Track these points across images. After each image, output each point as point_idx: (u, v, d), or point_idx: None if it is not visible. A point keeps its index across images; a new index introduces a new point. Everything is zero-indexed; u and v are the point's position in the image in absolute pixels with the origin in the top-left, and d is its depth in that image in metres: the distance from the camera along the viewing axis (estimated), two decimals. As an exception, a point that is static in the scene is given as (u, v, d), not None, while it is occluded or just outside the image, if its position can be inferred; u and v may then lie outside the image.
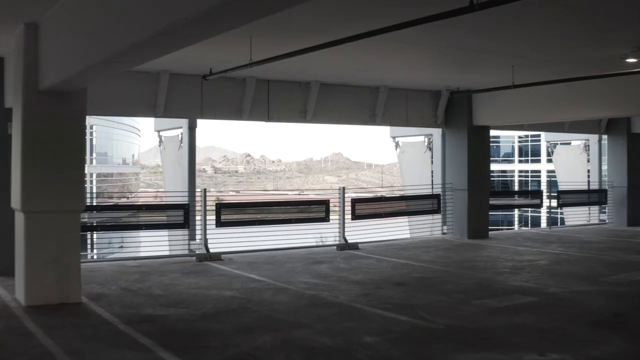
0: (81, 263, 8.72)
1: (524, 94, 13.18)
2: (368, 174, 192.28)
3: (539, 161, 56.77)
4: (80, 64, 6.47)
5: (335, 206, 13.73)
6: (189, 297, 8.74)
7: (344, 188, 13.55)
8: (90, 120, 50.15)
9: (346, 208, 13.71)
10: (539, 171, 56.05)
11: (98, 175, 51.35)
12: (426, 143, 16.43)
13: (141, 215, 13.05)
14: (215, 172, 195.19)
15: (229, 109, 12.92)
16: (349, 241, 13.56)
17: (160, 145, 14.86)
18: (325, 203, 13.45)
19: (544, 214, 20.58)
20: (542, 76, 11.68)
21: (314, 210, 13.28)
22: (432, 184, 15.90)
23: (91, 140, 50.86)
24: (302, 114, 13.45)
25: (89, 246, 17.50)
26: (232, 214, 12.56)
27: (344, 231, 13.46)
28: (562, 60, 10.87)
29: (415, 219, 15.33)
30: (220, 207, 12.43)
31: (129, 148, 60.74)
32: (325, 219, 13.39)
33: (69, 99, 8.15)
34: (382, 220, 14.75)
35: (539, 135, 55.90)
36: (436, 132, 16.03)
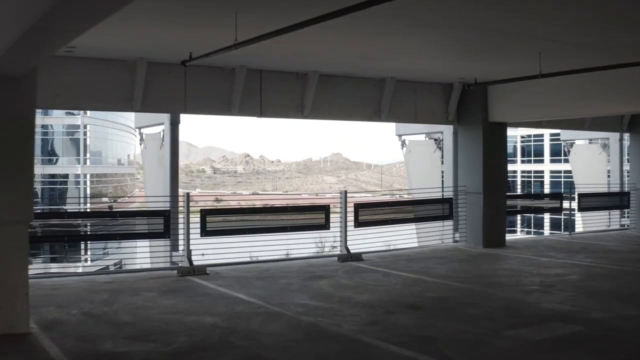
0: (46, 278, 7.18)
1: (548, 86, 11.64)
2: (367, 174, 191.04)
3: (542, 161, 55.15)
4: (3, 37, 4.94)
5: (335, 207, 12.19)
6: (162, 325, 7.19)
7: (346, 192, 12.02)
8: (84, 119, 48.74)
9: (348, 213, 12.16)
10: (542, 172, 54.49)
11: (92, 176, 49.88)
12: (436, 142, 14.90)
13: (118, 223, 11.49)
14: (215, 173, 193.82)
15: (216, 103, 11.38)
16: (352, 251, 12.02)
17: (141, 144, 13.32)
18: (324, 209, 11.91)
19: (549, 218, 19.01)
20: (571, 65, 10.13)
21: (312, 217, 11.73)
22: (443, 187, 14.35)
23: (85, 140, 49.51)
24: (298, 109, 11.93)
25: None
26: (219, 221, 11.00)
27: (345, 240, 11.92)
28: (600, 47, 9.32)
29: (425, 225, 13.78)
30: (206, 214, 10.87)
31: (124, 148, 59.24)
32: (325, 226, 11.85)
33: (13, 88, 6.63)
34: (387, 227, 13.20)
35: (542, 135, 54.28)
36: (447, 130, 14.48)
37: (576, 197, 16.45)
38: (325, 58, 10.69)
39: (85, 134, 49.57)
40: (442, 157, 14.76)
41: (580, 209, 16.40)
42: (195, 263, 10.49)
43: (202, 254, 11.05)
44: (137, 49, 9.74)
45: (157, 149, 12.24)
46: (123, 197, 56.05)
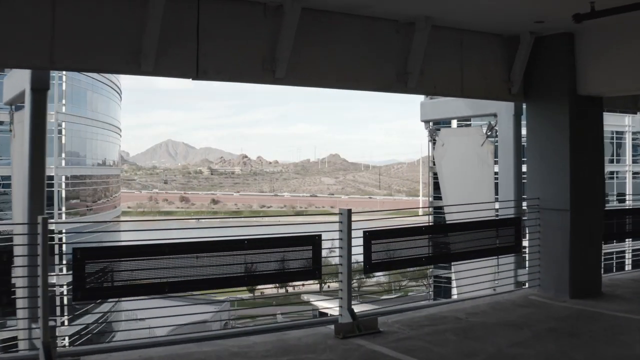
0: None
1: None
2: (365, 175, 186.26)
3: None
4: None
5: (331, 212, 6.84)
6: None
7: (349, 211, 6.62)
8: (59, 117, 43.30)
9: (355, 240, 6.82)
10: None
11: (68, 177, 44.51)
12: (486, 130, 9.54)
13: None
14: (212, 174, 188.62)
15: (114, 52, 6.05)
16: (360, 313, 6.72)
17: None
18: (313, 242, 6.53)
19: None
20: None
21: (292, 256, 6.38)
22: (498, 202, 9.01)
23: (60, 138, 44.10)
24: (266, 67, 6.59)
25: None
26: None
27: (349, 299, 6.52)
28: None
29: (471, 266, 8.37)
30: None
31: (108, 148, 53.92)
32: (313, 273, 6.51)
33: None
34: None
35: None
36: (504, 110, 9.14)
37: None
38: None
39: (60, 132, 44.17)
40: (495, 155, 9.41)
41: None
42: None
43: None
44: None
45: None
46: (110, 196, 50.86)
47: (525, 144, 8.67)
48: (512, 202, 8.73)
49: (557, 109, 8.20)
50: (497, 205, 8.96)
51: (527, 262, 8.66)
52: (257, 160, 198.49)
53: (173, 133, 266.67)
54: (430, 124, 10.07)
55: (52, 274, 7.26)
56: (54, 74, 42.55)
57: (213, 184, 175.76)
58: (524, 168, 8.84)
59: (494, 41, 8.30)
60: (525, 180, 8.58)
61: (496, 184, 9.20)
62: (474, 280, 8.11)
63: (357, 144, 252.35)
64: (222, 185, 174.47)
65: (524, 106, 8.86)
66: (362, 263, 6.77)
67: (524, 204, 8.56)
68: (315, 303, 52.67)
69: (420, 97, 10.43)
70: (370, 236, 6.80)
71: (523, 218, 8.47)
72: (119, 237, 55.83)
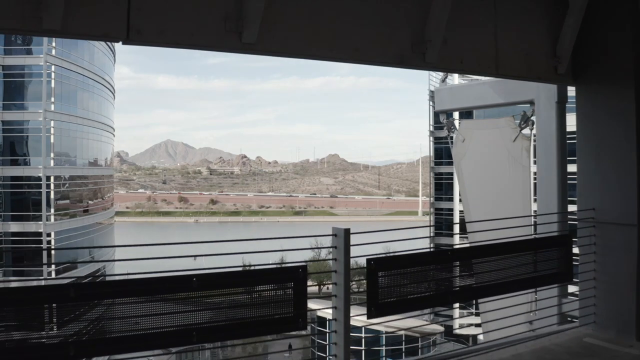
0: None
1: None
2: (365, 175, 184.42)
3: None
4: None
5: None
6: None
7: (347, 232, 4.63)
8: (47, 114, 41.19)
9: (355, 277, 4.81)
10: None
11: (57, 178, 42.36)
12: (520, 121, 7.51)
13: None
14: (211, 174, 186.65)
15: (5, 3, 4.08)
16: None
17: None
18: (294, 275, 4.53)
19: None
20: None
21: (261, 302, 4.38)
22: (536, 215, 6.99)
23: (48, 137, 41.98)
24: (230, 28, 4.61)
25: None
26: None
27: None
28: None
29: (504, 302, 6.31)
30: None
31: (100, 148, 51.90)
32: (295, 322, 4.51)
33: None
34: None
35: None
36: (545, 96, 7.15)
37: None
38: None
39: (48, 130, 42.07)
40: (533, 153, 7.40)
41: None
42: None
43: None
44: None
45: None
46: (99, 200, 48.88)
47: (577, 138, 6.65)
48: (556, 215, 6.73)
49: (618, 93, 6.21)
50: (533, 220, 6.95)
51: (571, 290, 6.67)
52: (256, 161, 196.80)
53: (172, 133, 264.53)
54: (446, 115, 8.05)
55: None
56: (42, 71, 40.70)
57: (212, 184, 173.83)
58: (570, 169, 6.87)
59: (537, 5, 6.32)
60: (576, 186, 6.56)
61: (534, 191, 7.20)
62: (504, 312, 6.09)
63: (357, 144, 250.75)
64: (221, 185, 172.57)
65: (569, 91, 6.89)
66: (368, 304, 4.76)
67: (574, 216, 6.56)
68: (311, 306, 50.58)
69: (426, 85, 8.47)
70: (376, 267, 4.77)
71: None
72: (111, 239, 54.11)
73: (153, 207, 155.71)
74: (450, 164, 58.06)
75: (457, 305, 56.32)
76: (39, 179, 40.81)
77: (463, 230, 56.49)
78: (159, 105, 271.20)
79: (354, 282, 4.70)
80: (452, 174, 57.15)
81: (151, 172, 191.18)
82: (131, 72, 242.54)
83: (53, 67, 41.47)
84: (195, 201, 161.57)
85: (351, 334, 4.58)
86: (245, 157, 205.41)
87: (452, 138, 8.08)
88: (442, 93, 7.93)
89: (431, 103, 62.41)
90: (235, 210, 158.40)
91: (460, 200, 55.37)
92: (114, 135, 57.99)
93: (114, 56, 57.26)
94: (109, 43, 51.12)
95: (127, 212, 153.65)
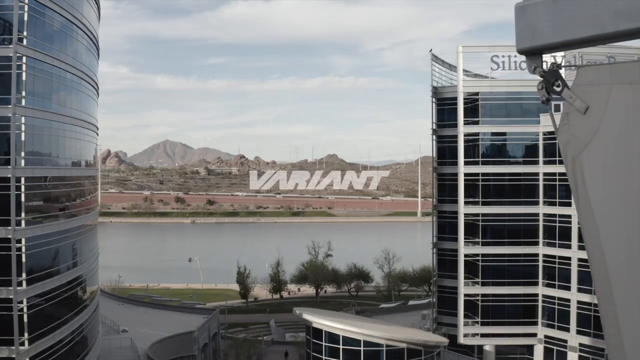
0: None
1: None
2: (364, 176, 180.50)
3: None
4: None
5: None
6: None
7: None
8: (17, 110, 36.95)
9: None
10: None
11: (28, 179, 38.04)
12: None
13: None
14: (209, 174, 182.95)
15: None
16: None
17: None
18: None
19: None
20: None
21: None
22: None
23: (18, 135, 37.76)
24: None
25: None
26: None
27: None
28: None
29: None
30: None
31: (81, 147, 47.67)
32: None
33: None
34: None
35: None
36: None
37: None
38: None
39: (18, 127, 37.81)
40: None
41: None
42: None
43: None
44: None
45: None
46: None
47: None
48: None
49: None
50: None
51: None
52: (254, 161, 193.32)
53: (171, 133, 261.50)
54: (534, 64, 3.87)
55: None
56: (10, 62, 36.61)
57: (210, 184, 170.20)
58: None
59: None
60: None
61: None
62: None
63: (355, 144, 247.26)
64: (219, 185, 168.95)
65: None
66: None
67: None
68: (306, 317, 46.87)
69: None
70: None
71: None
72: (94, 243, 49.34)
73: (150, 207, 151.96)
74: (455, 164, 52.44)
75: (461, 312, 51.95)
76: (6, 180, 36.49)
77: (468, 234, 52.21)
78: (157, 105, 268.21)
79: None
80: (456, 175, 52.07)
81: (149, 173, 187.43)
82: (130, 72, 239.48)
83: (24, 58, 37.16)
84: (193, 202, 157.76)
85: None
86: (243, 157, 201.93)
87: (550, 107, 3.99)
88: (531, 11, 3.72)
89: (449, 84, 56.87)
90: (233, 210, 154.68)
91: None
92: (97, 134, 53.80)
93: (98, 51, 52.98)
94: (91, 37, 47.12)
95: (123, 213, 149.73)
